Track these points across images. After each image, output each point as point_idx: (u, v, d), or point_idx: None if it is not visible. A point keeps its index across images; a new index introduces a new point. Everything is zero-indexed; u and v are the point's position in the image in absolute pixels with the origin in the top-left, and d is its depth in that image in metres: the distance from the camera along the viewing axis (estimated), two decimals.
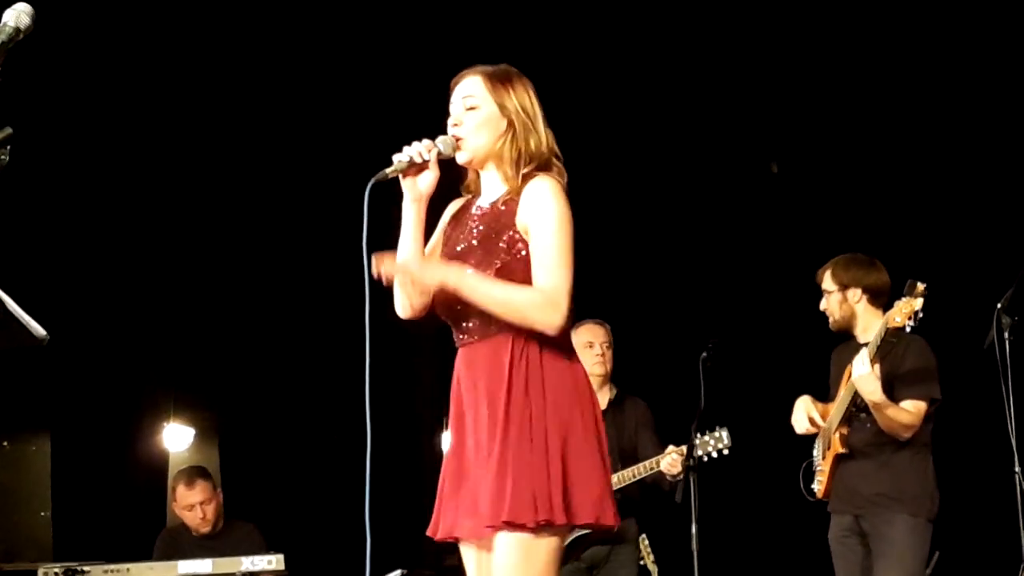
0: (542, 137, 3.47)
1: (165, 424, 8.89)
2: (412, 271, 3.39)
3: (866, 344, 5.23)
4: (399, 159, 3.43)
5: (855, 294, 5.47)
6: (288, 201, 8.17)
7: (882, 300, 5.43)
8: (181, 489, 6.74)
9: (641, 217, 8.33)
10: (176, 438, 8.96)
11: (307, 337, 8.57)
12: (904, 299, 4.99)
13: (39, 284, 6.71)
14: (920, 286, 4.95)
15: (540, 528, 3.26)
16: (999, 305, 5.22)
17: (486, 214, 3.47)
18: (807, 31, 7.40)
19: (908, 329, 5.00)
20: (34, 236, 7.24)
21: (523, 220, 3.39)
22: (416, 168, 3.45)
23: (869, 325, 5.38)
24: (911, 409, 5.23)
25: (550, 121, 3.51)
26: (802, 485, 5.63)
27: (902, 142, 7.80)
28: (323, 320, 8.50)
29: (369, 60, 7.42)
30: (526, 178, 3.42)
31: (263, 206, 8.17)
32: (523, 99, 3.47)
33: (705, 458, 6.03)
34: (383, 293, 3.43)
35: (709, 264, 8.35)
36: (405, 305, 3.52)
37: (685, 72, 7.68)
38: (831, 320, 5.54)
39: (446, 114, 3.53)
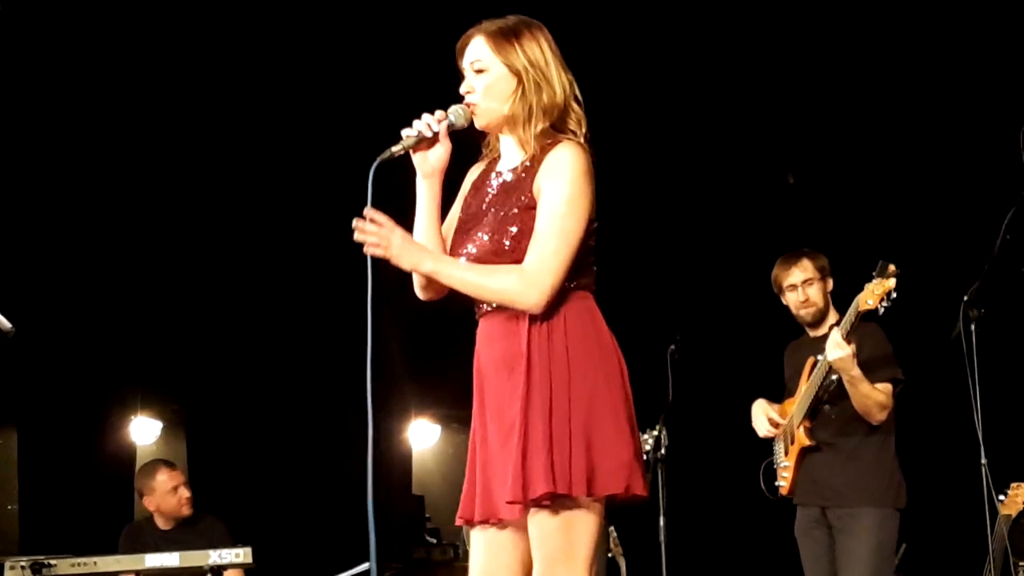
0: (555, 87, 3.30)
1: (132, 417, 8.84)
2: (389, 251, 3.20)
3: (819, 336, 5.26)
4: (407, 134, 3.31)
5: (831, 282, 5.50)
6: (253, 192, 8.12)
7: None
8: (165, 473, 6.69)
9: (609, 210, 8.31)
10: (143, 431, 8.93)
11: (275, 330, 8.54)
12: (876, 280, 4.96)
13: (5, 278, 6.70)
14: (892, 267, 4.93)
15: (566, 502, 3.14)
16: (965, 298, 5.22)
17: (505, 182, 3.35)
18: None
19: (881, 311, 4.98)
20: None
21: (538, 185, 3.26)
22: (427, 143, 3.33)
23: (830, 314, 5.43)
24: (882, 390, 5.25)
25: None
26: (763, 485, 5.62)
27: (864, 133, 7.81)
28: (291, 312, 8.48)
29: (373, 33, 7.30)
30: (548, 146, 3.28)
31: (232, 197, 8.12)
32: (532, 52, 3.30)
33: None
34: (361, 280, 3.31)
35: (677, 257, 8.35)
36: (423, 286, 3.37)
37: (659, 73, 7.68)
38: (814, 310, 5.49)
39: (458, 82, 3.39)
